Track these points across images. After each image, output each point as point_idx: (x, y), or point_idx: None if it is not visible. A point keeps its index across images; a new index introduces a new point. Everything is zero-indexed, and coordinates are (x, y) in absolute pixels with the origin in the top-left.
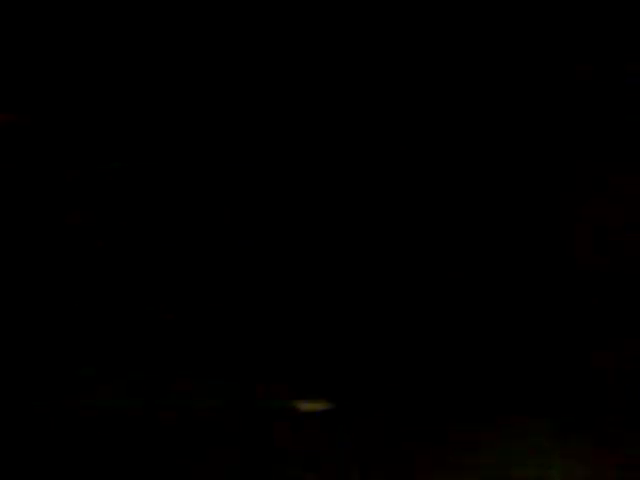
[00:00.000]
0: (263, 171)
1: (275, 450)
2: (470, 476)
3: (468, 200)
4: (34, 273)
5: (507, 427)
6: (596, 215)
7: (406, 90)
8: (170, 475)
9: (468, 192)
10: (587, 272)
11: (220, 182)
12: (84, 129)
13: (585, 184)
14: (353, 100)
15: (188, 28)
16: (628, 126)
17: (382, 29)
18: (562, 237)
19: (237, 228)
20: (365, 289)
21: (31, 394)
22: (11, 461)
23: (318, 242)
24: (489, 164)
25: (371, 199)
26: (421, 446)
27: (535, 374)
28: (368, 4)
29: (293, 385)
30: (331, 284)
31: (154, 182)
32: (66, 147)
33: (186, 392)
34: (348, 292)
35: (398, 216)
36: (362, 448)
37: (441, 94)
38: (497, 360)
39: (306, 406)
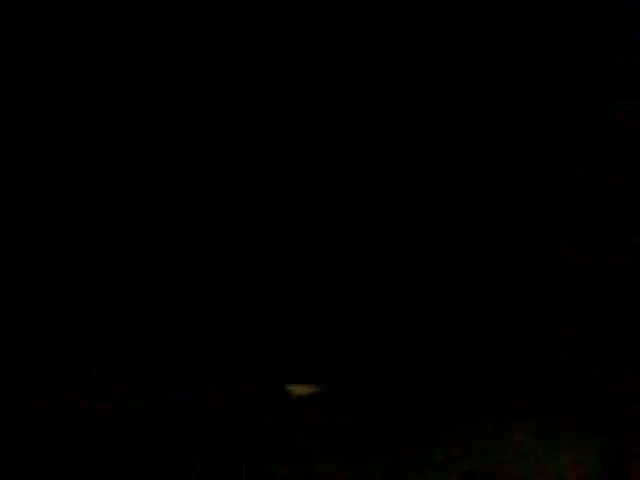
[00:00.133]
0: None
1: (271, 437)
2: (464, 469)
3: (460, 195)
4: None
5: (501, 424)
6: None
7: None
8: (171, 474)
9: (460, 187)
10: (577, 269)
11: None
12: None
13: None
14: (352, 99)
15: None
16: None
17: (382, 29)
18: (552, 234)
19: (227, 217)
20: (361, 278)
21: (32, 395)
22: (12, 463)
23: (313, 228)
24: (481, 163)
25: (367, 189)
26: (414, 437)
27: (528, 370)
28: (367, 4)
29: (286, 369)
30: (328, 271)
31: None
32: None
33: (185, 387)
34: (344, 279)
35: (394, 209)
36: (356, 432)
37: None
38: (492, 356)
39: (299, 390)
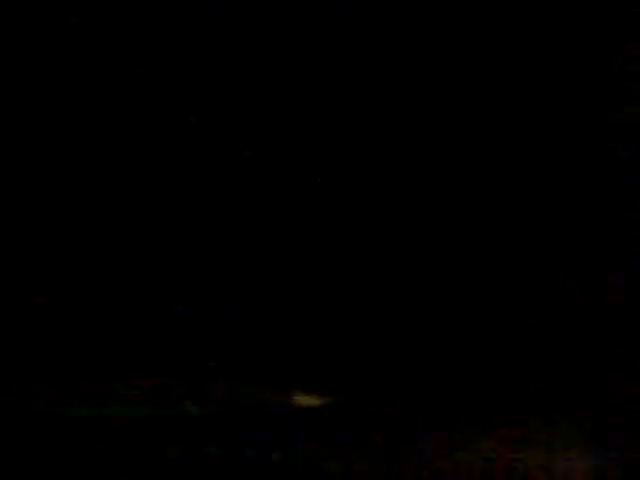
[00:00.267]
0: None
1: (273, 446)
2: (469, 468)
3: (464, 196)
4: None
5: (511, 422)
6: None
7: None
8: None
9: (464, 188)
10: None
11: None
12: None
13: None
14: (352, 99)
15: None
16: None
17: (381, 29)
18: (561, 233)
19: (227, 221)
20: (365, 283)
21: (34, 399)
22: (12, 468)
23: (316, 235)
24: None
25: (368, 194)
26: (421, 440)
27: (537, 371)
28: (367, 4)
29: (292, 379)
30: (331, 279)
31: None
32: None
33: (185, 391)
34: (347, 287)
35: (399, 211)
36: (362, 442)
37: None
38: (501, 357)
39: (305, 400)
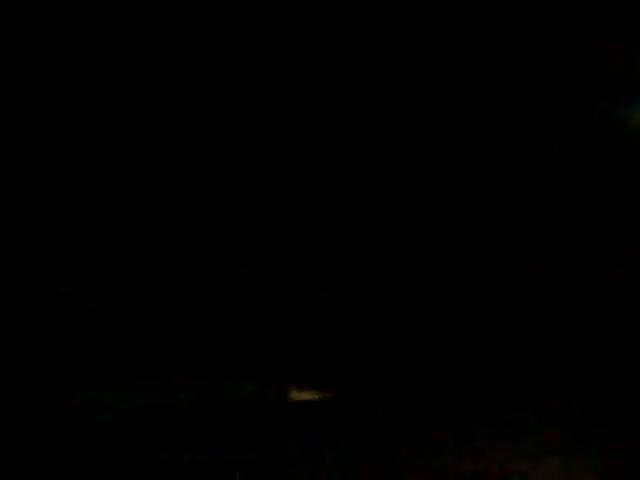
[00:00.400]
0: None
1: (269, 440)
2: (467, 468)
3: (466, 197)
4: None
5: (507, 422)
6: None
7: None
8: (168, 474)
9: (466, 190)
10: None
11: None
12: None
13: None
14: (351, 99)
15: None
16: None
17: (381, 29)
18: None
19: (231, 222)
20: (363, 281)
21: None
22: (11, 461)
23: (314, 234)
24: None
25: (371, 195)
26: (417, 439)
27: (534, 370)
28: (367, 4)
29: (287, 375)
30: (328, 276)
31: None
32: None
33: (183, 388)
34: (345, 284)
35: (399, 211)
36: (358, 439)
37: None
38: (497, 355)
39: (300, 396)
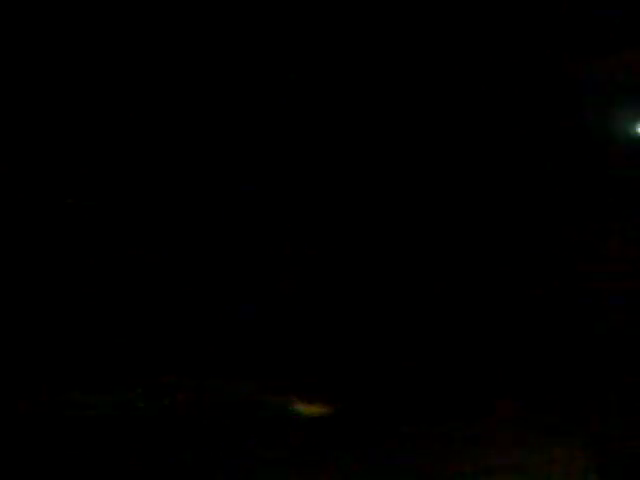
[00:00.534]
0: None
1: (274, 452)
2: (464, 468)
3: (462, 201)
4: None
5: (500, 422)
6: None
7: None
8: (168, 475)
9: (464, 193)
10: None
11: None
12: None
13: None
14: (352, 100)
15: None
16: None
17: (381, 30)
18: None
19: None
20: (363, 292)
21: (34, 394)
22: (10, 462)
23: (314, 243)
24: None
25: (373, 200)
26: (418, 443)
27: (523, 372)
28: (367, 5)
29: (292, 388)
30: (328, 288)
31: None
32: None
33: (188, 395)
34: (346, 296)
35: (396, 218)
36: (358, 450)
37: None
38: (491, 359)
39: (305, 409)
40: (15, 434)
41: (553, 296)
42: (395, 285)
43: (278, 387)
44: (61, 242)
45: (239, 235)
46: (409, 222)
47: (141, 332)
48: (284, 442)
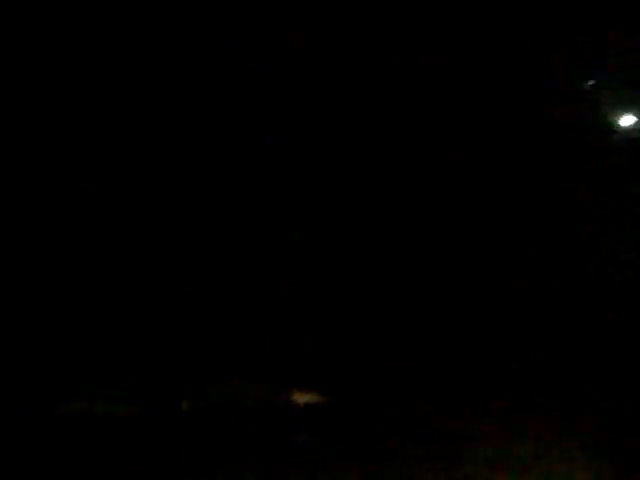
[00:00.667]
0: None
1: (271, 442)
2: (464, 463)
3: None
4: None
5: (501, 418)
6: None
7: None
8: (168, 475)
9: (463, 190)
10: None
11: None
12: None
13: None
14: (352, 100)
15: None
16: None
17: (381, 30)
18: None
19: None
20: (361, 286)
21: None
22: (12, 465)
23: (319, 236)
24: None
25: (373, 200)
26: (415, 437)
27: (525, 369)
28: (367, 5)
29: (291, 379)
30: (325, 281)
31: None
32: None
33: (187, 390)
34: (345, 290)
35: (395, 214)
36: (357, 439)
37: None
38: (489, 354)
39: (303, 398)
40: (16, 435)
41: (552, 296)
42: (393, 284)
43: (277, 380)
44: (62, 243)
45: (239, 235)
46: (409, 221)
47: (143, 334)
48: (283, 438)
